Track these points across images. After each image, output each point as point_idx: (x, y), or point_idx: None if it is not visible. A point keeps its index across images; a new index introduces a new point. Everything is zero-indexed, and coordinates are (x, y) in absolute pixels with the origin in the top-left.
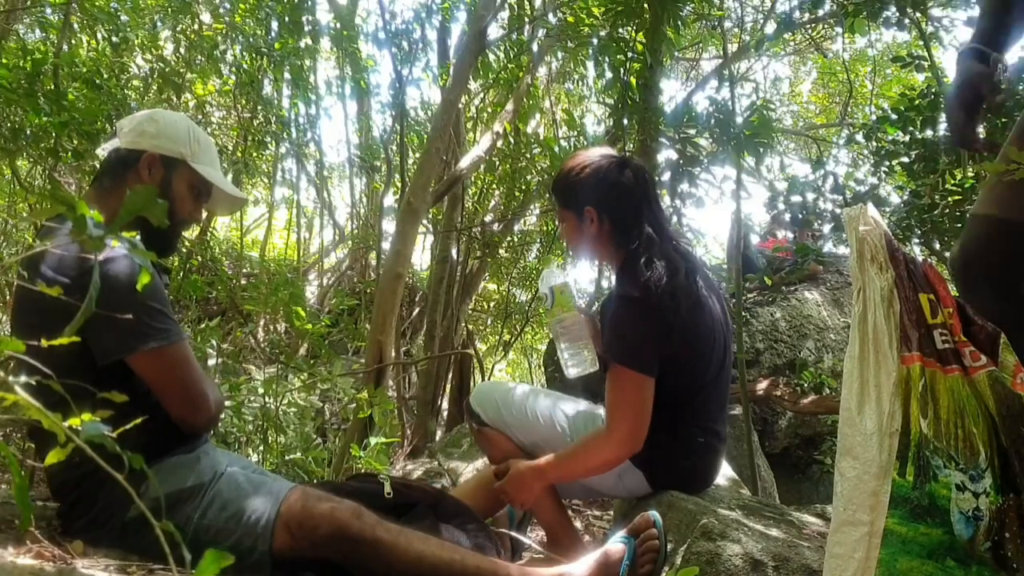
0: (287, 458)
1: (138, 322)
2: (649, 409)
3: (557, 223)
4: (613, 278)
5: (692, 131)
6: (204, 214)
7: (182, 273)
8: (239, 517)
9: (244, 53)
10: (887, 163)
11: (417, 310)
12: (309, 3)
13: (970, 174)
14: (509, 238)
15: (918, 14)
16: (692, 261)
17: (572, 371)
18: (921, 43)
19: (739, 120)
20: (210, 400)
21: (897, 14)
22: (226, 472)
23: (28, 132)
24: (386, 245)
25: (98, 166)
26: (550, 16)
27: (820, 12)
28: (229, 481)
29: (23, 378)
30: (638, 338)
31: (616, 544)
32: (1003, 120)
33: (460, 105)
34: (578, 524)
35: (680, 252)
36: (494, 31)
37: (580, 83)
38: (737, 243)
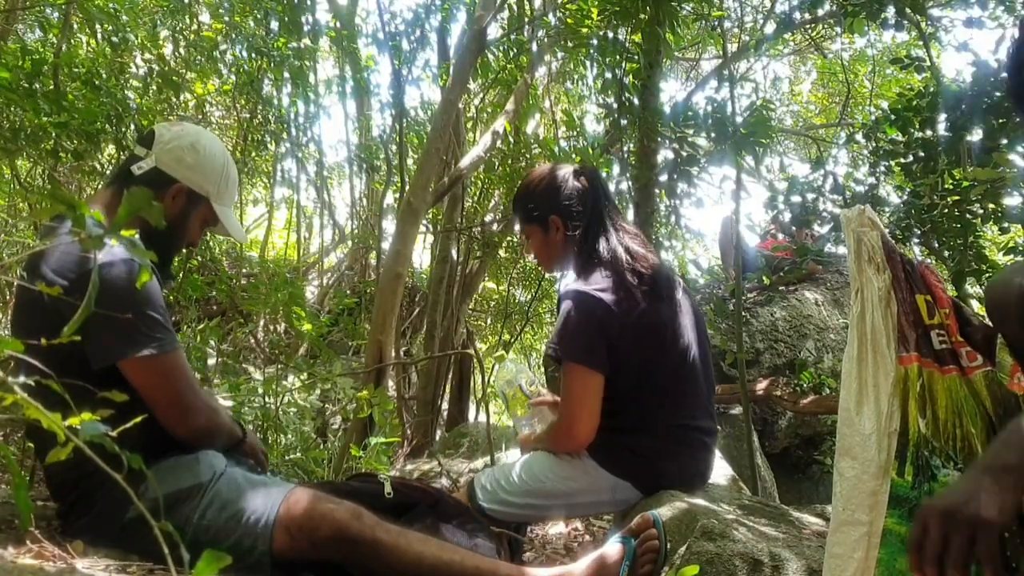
0: (287, 458)
1: (133, 328)
2: (597, 403)
3: (523, 243)
4: (568, 279)
5: (690, 131)
6: None
7: (182, 273)
8: (239, 517)
9: (244, 53)
10: (885, 163)
11: (417, 310)
12: (309, 3)
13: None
14: (509, 238)
15: (917, 15)
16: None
17: (524, 430)
18: (920, 43)
19: (738, 120)
20: (200, 412)
21: (896, 15)
22: (226, 472)
23: (28, 132)
24: (386, 245)
25: (118, 163)
26: (550, 16)
27: (820, 12)
28: (228, 481)
29: (22, 378)
30: (580, 332)
31: (616, 544)
32: (1001, 120)
33: (460, 105)
34: (578, 524)
35: (633, 248)
36: (494, 31)
37: (579, 83)
38: (736, 243)
